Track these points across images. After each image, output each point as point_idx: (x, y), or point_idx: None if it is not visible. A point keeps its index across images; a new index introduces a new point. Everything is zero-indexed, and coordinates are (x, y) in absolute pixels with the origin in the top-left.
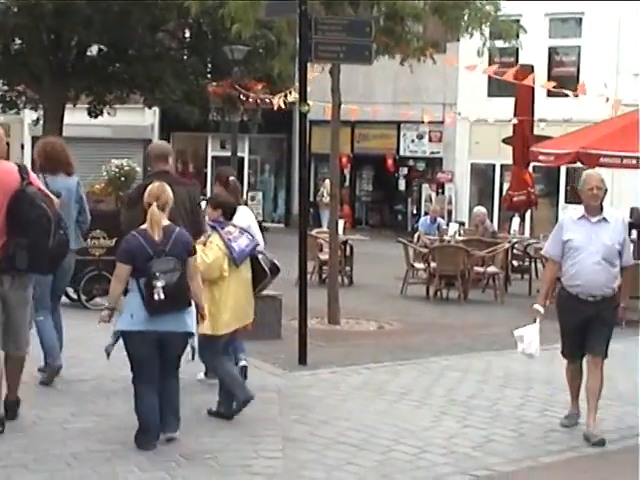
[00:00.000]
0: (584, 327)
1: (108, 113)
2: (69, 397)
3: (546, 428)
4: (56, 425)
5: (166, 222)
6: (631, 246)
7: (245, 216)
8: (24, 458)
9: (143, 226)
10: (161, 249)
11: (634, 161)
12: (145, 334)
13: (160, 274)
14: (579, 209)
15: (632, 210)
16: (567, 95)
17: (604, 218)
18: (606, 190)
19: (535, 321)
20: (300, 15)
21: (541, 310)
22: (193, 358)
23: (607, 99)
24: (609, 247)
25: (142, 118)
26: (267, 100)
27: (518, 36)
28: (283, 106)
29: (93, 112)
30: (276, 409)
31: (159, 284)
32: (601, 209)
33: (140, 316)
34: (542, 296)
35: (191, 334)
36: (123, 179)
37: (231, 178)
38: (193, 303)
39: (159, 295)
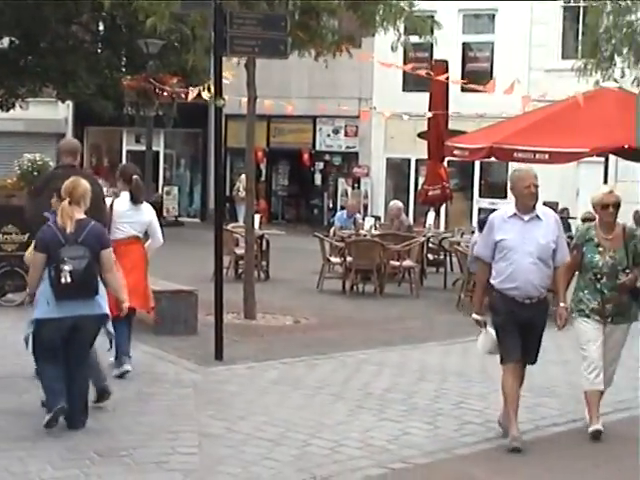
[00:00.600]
0: (521, 330)
1: (20, 107)
2: None
3: (461, 420)
4: None
5: (80, 216)
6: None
7: (147, 213)
8: None
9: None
10: (73, 238)
11: (546, 156)
12: (61, 321)
13: (68, 259)
14: (510, 207)
15: (544, 204)
16: (481, 90)
17: (537, 216)
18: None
19: (485, 326)
20: (215, 9)
21: (479, 318)
22: (111, 346)
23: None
24: (544, 246)
25: (55, 112)
26: (182, 94)
27: (432, 32)
28: (197, 98)
29: (5, 105)
30: (192, 405)
31: (66, 268)
32: (533, 207)
33: (51, 304)
34: (478, 303)
35: (105, 315)
36: (36, 174)
37: (134, 177)
38: (103, 290)
39: (66, 278)
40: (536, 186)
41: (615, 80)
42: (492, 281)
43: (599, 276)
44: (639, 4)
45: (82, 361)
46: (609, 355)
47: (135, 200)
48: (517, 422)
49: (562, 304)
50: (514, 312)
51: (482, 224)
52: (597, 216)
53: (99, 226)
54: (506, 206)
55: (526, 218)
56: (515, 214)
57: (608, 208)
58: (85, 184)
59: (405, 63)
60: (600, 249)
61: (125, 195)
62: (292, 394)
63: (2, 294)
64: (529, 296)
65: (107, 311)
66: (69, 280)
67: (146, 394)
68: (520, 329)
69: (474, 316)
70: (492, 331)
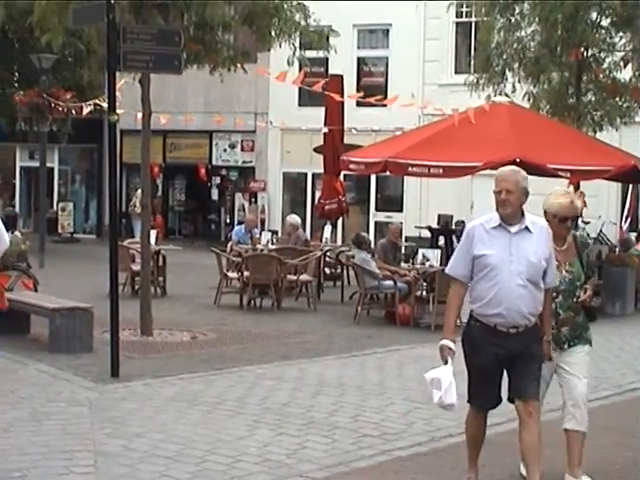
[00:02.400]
0: (503, 366)
1: None
2: None
3: (359, 433)
4: None
5: None
6: (437, 252)
7: None
8: None
9: None
10: None
11: (440, 170)
12: None
13: None
14: (493, 215)
15: (439, 217)
16: (376, 105)
17: (526, 227)
18: (527, 194)
19: (447, 362)
20: (108, 24)
21: (452, 346)
22: None
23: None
24: (535, 265)
25: None
26: (77, 110)
27: (328, 44)
28: (92, 114)
29: None
30: (88, 423)
31: None
32: (522, 215)
33: None
34: (450, 329)
35: None
36: None
37: None
38: None
39: None
40: (510, 192)
41: (507, 95)
42: (471, 306)
43: (554, 294)
44: (528, 21)
45: None
46: (570, 383)
47: None
48: (477, 466)
49: (546, 337)
50: (495, 345)
51: (359, 242)
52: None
53: None
54: (489, 213)
55: (513, 230)
56: (500, 224)
57: (566, 222)
58: None
59: (301, 78)
60: (555, 263)
61: None
62: (190, 410)
63: None
64: (515, 324)
65: None
66: None
67: (40, 413)
68: (501, 365)
69: (445, 343)
70: (450, 370)
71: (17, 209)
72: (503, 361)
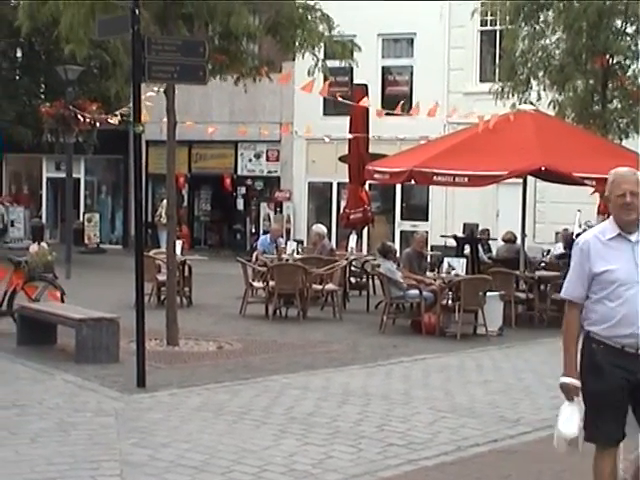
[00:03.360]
0: (630, 394)
1: None
2: None
3: (384, 443)
4: None
5: None
6: (463, 261)
7: None
8: None
9: None
10: None
11: (465, 179)
12: None
13: None
14: (606, 224)
15: (464, 226)
16: (401, 114)
17: None
18: None
19: (573, 399)
20: (133, 35)
21: (577, 384)
22: None
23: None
24: None
25: None
26: (101, 122)
27: (352, 56)
28: (118, 125)
29: None
30: (114, 433)
31: None
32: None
33: None
34: (571, 364)
35: None
36: None
37: None
38: None
39: None
40: (634, 194)
41: (531, 103)
42: (590, 328)
43: None
44: (552, 28)
45: None
46: None
47: None
48: None
49: None
50: (623, 369)
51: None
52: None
53: None
54: (601, 224)
55: (633, 238)
56: (619, 234)
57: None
58: None
59: (326, 88)
60: None
61: None
62: (215, 420)
63: None
64: None
65: None
66: None
67: (67, 423)
68: (629, 393)
69: (565, 380)
70: (577, 412)
71: (44, 220)
72: (630, 387)
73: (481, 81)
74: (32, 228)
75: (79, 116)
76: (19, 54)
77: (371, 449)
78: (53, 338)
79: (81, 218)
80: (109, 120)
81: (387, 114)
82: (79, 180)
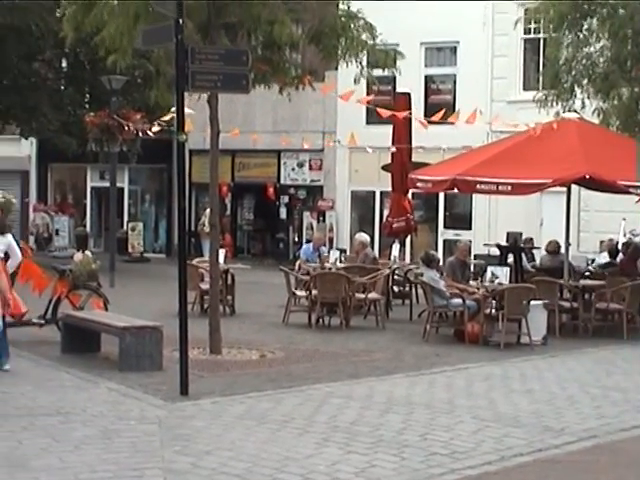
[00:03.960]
0: None
1: None
2: None
3: (428, 452)
4: None
5: None
6: (506, 270)
7: (8, 238)
8: None
9: None
10: None
11: (509, 187)
12: None
13: None
14: None
15: (508, 235)
16: (444, 123)
17: None
18: None
19: None
20: (176, 44)
21: None
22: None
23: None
24: None
25: (19, 149)
26: (146, 131)
27: (395, 64)
28: (161, 134)
29: None
30: (158, 441)
31: None
32: None
33: None
34: None
35: None
36: (0, 211)
37: None
38: None
39: None
40: None
41: (575, 111)
42: None
43: None
44: (597, 36)
45: None
46: None
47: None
48: None
49: None
50: None
51: (428, 260)
52: None
53: None
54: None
55: None
56: None
57: None
58: None
59: (368, 95)
60: None
61: None
62: (258, 428)
63: None
64: None
65: None
66: None
67: (111, 431)
68: None
69: None
70: None
71: (88, 229)
72: None
73: (525, 89)
74: (76, 237)
75: (123, 125)
76: (64, 64)
77: (414, 458)
78: (97, 346)
79: (125, 227)
80: (152, 129)
81: (429, 122)
82: (123, 189)
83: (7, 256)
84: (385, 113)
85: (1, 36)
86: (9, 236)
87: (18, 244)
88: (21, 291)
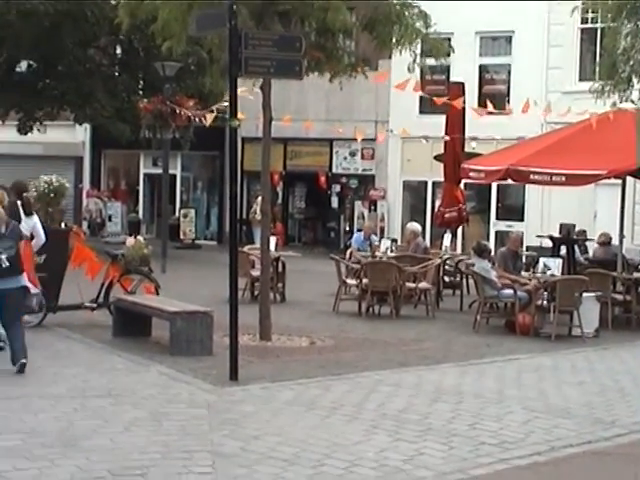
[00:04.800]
0: None
1: (38, 130)
2: None
3: (476, 441)
4: None
5: (6, 218)
6: (559, 262)
7: (33, 219)
8: None
9: None
10: (3, 234)
11: (563, 178)
12: None
13: (2, 250)
14: None
15: (561, 226)
16: (497, 112)
17: None
18: None
19: None
20: (230, 30)
21: None
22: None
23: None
24: None
25: (73, 135)
26: (198, 118)
27: (449, 54)
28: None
29: (23, 129)
30: (207, 424)
31: (3, 256)
32: None
33: None
34: None
35: (26, 287)
36: (52, 195)
37: (24, 194)
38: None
39: (4, 263)
40: None
41: (632, 101)
42: None
43: None
44: None
45: (14, 323)
46: None
47: (26, 212)
48: None
49: None
50: None
51: (480, 250)
52: None
53: (17, 225)
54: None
55: None
56: None
57: None
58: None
59: (422, 85)
60: None
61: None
62: (307, 414)
63: None
64: None
65: (27, 285)
66: (7, 264)
67: (160, 414)
68: None
69: None
70: None
71: (140, 215)
72: None
73: (580, 80)
74: (129, 223)
75: (176, 112)
76: (119, 51)
77: (463, 447)
78: (148, 330)
79: (177, 214)
80: (205, 116)
81: (484, 112)
82: (175, 176)
83: (32, 237)
84: (440, 101)
85: (57, 23)
86: (35, 217)
87: (43, 226)
88: (74, 275)
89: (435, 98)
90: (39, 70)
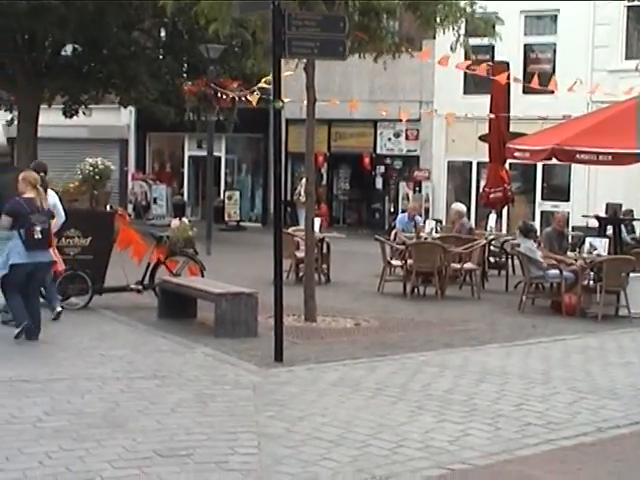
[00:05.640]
0: None
1: (84, 113)
2: (43, 396)
3: (522, 422)
4: (29, 424)
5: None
6: (605, 242)
7: (52, 198)
8: None
9: (27, 196)
10: (40, 210)
11: (609, 157)
12: (26, 265)
13: (37, 223)
14: None
15: (607, 206)
16: (543, 92)
17: None
18: None
19: None
20: (273, 11)
21: None
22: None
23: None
24: None
25: (118, 118)
26: (243, 99)
27: (493, 33)
28: (258, 103)
29: (68, 112)
30: (252, 406)
31: (37, 228)
32: None
33: (23, 254)
34: None
35: (54, 262)
36: (98, 177)
37: (41, 174)
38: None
39: (38, 235)
40: None
41: None
42: None
43: None
44: None
45: (35, 293)
46: None
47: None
48: None
49: None
50: None
51: (526, 230)
52: None
53: (50, 203)
54: None
55: None
56: None
57: None
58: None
59: (466, 64)
60: None
61: None
62: (352, 395)
63: (65, 297)
64: None
65: (54, 259)
66: (39, 236)
67: (206, 395)
68: None
69: None
70: None
71: (185, 197)
72: None
73: (627, 58)
74: (174, 206)
75: (220, 94)
76: (163, 34)
77: (509, 428)
78: (193, 312)
79: (221, 196)
80: (248, 97)
81: (527, 88)
82: (220, 158)
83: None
84: (482, 71)
85: (101, 6)
86: (54, 197)
87: (62, 206)
88: (120, 258)
89: (479, 72)
90: (84, 54)
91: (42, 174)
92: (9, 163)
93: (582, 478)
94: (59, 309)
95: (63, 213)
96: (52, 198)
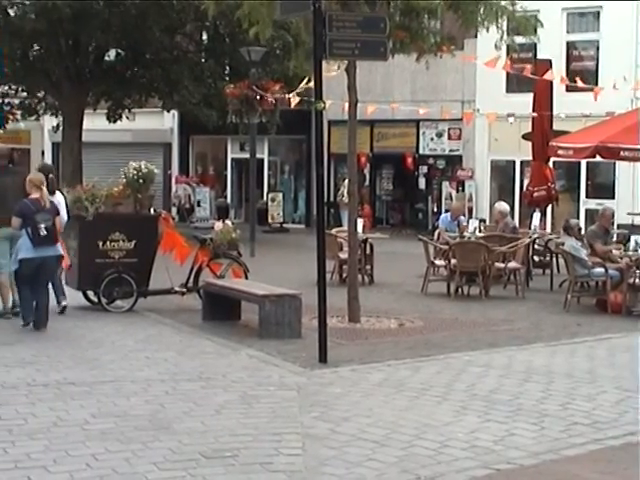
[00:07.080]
0: None
1: (127, 117)
2: (89, 399)
3: (568, 421)
4: (76, 427)
5: (48, 196)
6: None
7: (58, 199)
8: (44, 459)
9: (33, 196)
10: (44, 209)
11: None
12: (34, 259)
13: (42, 221)
14: None
15: None
16: (587, 89)
17: None
18: None
19: None
20: (314, 12)
21: None
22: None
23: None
24: None
25: (161, 122)
26: (285, 100)
27: (536, 31)
28: (300, 105)
29: (112, 117)
30: (296, 406)
31: (42, 225)
32: None
33: (30, 249)
34: None
35: (62, 256)
36: (142, 181)
37: (50, 175)
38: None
39: (43, 232)
40: None
41: None
42: None
43: None
44: None
45: (44, 286)
46: None
47: (50, 191)
48: None
49: None
50: None
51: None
52: None
53: (54, 202)
54: None
55: None
56: None
57: None
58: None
59: (510, 64)
60: None
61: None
62: (396, 396)
63: (111, 300)
64: None
65: (62, 254)
66: (45, 233)
67: (250, 396)
68: None
69: None
70: None
71: (228, 200)
72: None
73: None
74: (217, 208)
75: (262, 97)
76: (204, 37)
77: (554, 427)
78: (237, 314)
79: (265, 198)
80: (289, 98)
81: (570, 86)
82: (263, 160)
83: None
84: (527, 71)
85: (143, 10)
86: (59, 197)
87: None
88: (164, 260)
89: (524, 72)
90: (127, 58)
91: (51, 176)
92: (7, 166)
93: (629, 478)
94: (64, 303)
95: (65, 213)
96: (56, 198)
